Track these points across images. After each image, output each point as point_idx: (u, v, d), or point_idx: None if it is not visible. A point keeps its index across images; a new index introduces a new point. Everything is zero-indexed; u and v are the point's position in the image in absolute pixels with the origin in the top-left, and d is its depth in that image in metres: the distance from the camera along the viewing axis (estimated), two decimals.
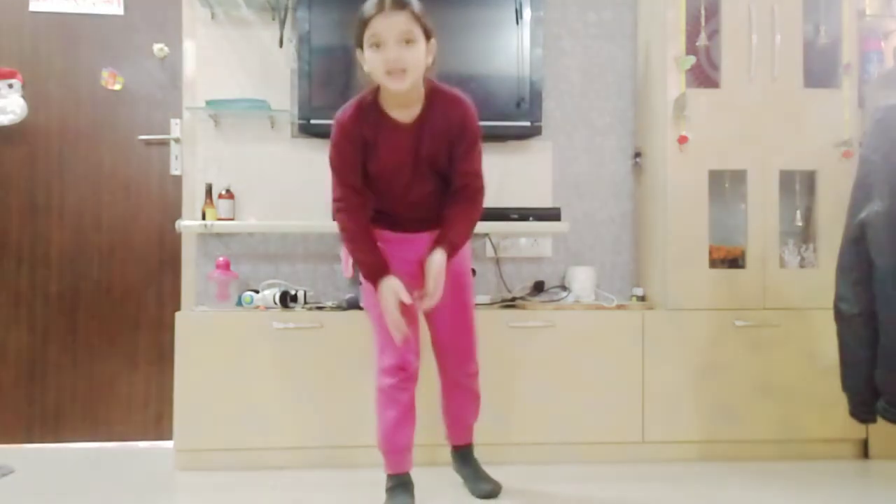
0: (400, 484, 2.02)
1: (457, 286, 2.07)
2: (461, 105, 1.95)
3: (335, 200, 1.96)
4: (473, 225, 2.04)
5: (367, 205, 2.00)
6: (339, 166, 1.93)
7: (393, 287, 1.91)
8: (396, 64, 1.78)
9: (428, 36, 1.85)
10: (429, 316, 2.11)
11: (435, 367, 2.18)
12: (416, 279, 2.01)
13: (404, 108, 1.91)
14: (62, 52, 2.91)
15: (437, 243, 1.96)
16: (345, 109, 1.93)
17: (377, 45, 1.80)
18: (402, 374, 1.97)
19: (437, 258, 1.93)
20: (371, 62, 1.82)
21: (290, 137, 2.91)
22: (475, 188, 2.02)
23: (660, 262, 2.73)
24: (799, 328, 2.62)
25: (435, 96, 1.93)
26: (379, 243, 2.01)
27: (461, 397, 2.20)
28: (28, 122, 2.86)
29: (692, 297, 2.63)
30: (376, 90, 1.92)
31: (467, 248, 2.14)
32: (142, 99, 2.94)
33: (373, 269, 1.95)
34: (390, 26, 1.78)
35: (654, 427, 2.59)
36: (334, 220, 1.99)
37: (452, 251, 1.97)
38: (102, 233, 2.92)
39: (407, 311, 1.96)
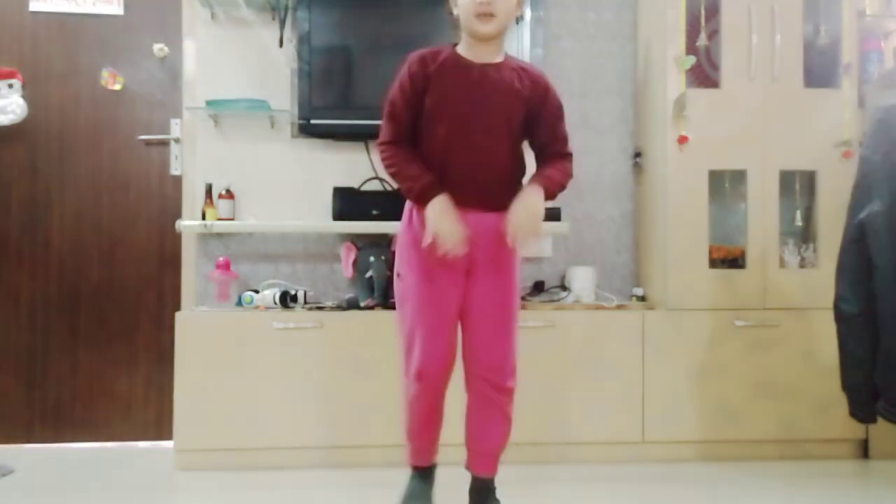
0: (417, 474, 2.01)
1: (500, 266, 1.89)
2: (543, 75, 1.94)
3: (380, 143, 1.89)
4: (565, 178, 1.91)
5: (414, 149, 1.89)
6: (394, 99, 1.88)
7: (449, 205, 1.80)
8: (487, 7, 1.81)
9: None
10: (465, 306, 1.90)
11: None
12: (464, 276, 1.87)
13: (480, 59, 1.88)
14: (62, 52, 2.91)
15: (529, 182, 1.87)
16: (418, 50, 1.91)
17: None
18: (422, 383, 1.86)
19: (530, 192, 1.81)
20: (462, 3, 1.84)
21: (290, 137, 2.91)
22: (566, 153, 1.95)
23: (660, 262, 2.72)
24: (799, 328, 2.62)
25: (514, 60, 1.94)
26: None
27: (488, 416, 1.92)
28: (28, 122, 2.86)
29: (692, 297, 2.63)
30: (455, 45, 1.92)
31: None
32: (142, 99, 2.94)
33: (425, 186, 1.81)
34: None
35: (654, 427, 2.59)
36: (382, 161, 1.89)
37: (549, 184, 1.84)
38: (102, 233, 2.92)
39: (445, 310, 1.86)
